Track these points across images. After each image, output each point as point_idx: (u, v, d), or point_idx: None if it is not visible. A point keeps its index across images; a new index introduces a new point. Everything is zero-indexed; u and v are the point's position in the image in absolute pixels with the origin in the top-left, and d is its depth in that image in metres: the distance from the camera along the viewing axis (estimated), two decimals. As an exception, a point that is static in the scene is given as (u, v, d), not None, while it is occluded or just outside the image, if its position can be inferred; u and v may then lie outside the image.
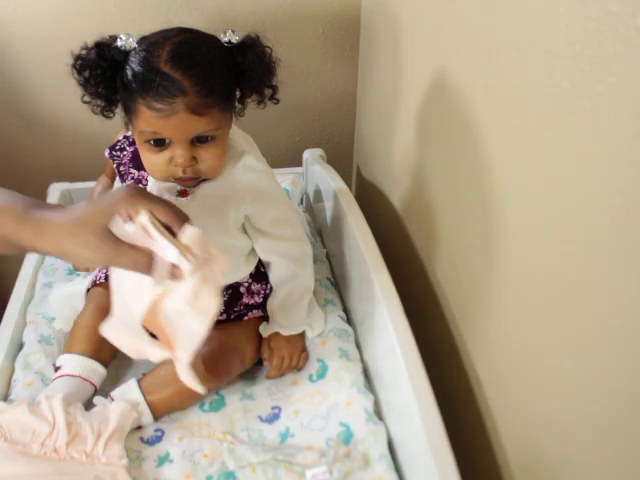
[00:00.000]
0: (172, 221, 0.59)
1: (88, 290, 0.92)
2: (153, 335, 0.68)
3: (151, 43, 0.73)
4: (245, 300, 0.93)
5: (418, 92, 0.93)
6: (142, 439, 0.79)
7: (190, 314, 0.62)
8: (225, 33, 0.77)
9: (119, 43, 0.73)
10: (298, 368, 0.90)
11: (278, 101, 0.83)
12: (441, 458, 0.63)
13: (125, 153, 0.88)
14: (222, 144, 0.78)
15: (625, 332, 0.50)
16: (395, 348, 0.74)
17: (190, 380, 0.69)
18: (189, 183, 0.80)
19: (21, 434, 0.71)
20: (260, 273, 0.94)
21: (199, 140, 0.75)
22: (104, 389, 0.84)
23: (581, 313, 0.56)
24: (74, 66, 0.75)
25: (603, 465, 0.56)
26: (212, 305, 0.61)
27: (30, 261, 1.06)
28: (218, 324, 0.91)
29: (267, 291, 0.94)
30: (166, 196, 0.83)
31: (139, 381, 0.82)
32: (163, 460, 0.76)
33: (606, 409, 0.54)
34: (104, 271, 0.93)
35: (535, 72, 0.59)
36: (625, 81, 0.46)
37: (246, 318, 0.92)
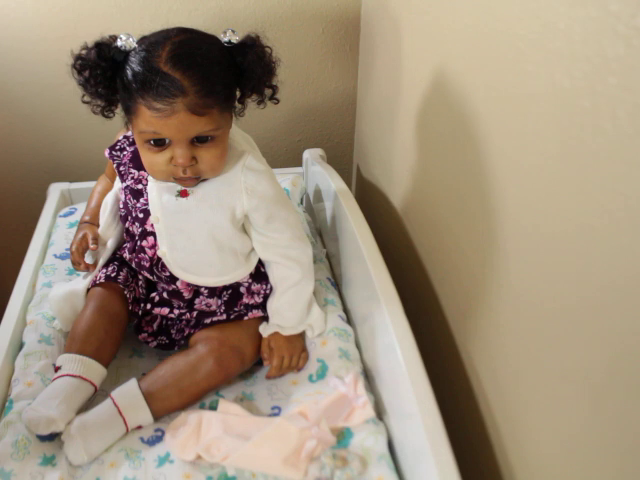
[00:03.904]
0: None
1: (88, 290, 0.92)
2: None
3: (151, 43, 0.73)
4: (245, 300, 0.93)
5: (418, 92, 0.93)
6: (142, 439, 0.79)
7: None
8: (225, 33, 0.77)
9: (119, 43, 0.73)
10: (298, 368, 0.89)
11: (278, 101, 0.83)
12: (441, 458, 0.63)
13: (125, 153, 0.88)
14: (222, 144, 0.78)
15: (625, 330, 0.50)
16: (395, 348, 0.74)
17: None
18: (189, 183, 0.80)
19: None
20: (260, 273, 0.94)
21: (199, 140, 0.75)
22: (104, 389, 0.84)
23: (581, 312, 0.56)
24: (74, 66, 0.75)
25: (603, 464, 0.56)
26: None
27: (30, 261, 1.06)
28: (218, 324, 0.91)
29: (267, 291, 0.94)
30: (166, 196, 0.84)
31: (139, 381, 0.82)
32: (163, 460, 0.76)
33: (606, 408, 0.54)
34: (104, 271, 0.92)
35: (535, 72, 0.59)
36: (625, 81, 0.46)
37: (246, 318, 0.92)
